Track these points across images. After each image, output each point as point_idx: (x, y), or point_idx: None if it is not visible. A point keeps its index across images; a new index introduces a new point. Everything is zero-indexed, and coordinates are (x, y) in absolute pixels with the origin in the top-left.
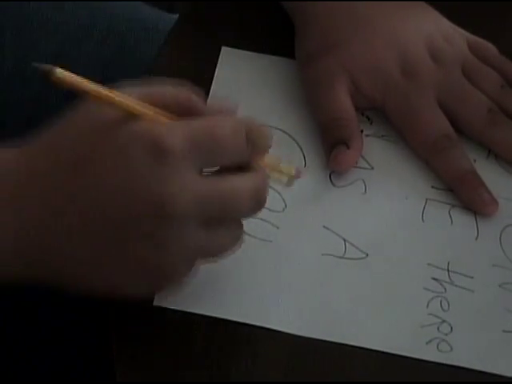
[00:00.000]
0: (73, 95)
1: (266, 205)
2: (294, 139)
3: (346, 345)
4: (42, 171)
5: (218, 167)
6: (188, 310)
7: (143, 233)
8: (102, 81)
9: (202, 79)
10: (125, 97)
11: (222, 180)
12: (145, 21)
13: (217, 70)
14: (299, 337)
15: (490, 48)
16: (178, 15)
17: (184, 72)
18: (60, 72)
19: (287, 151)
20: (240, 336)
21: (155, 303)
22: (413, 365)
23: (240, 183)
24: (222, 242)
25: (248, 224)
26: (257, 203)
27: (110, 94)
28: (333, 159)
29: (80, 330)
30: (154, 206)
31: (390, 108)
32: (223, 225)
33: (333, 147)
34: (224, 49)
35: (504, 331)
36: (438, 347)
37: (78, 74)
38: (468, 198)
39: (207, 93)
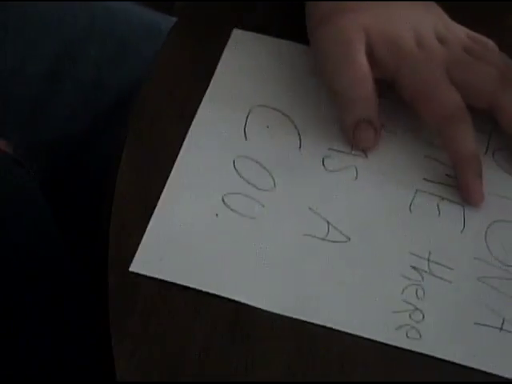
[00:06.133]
0: (71, 93)
1: (255, 183)
2: (292, 121)
3: (347, 344)
4: None
5: None
6: (164, 279)
7: None
8: (104, 80)
9: (202, 78)
10: None
11: None
12: (146, 20)
13: (225, 51)
14: (300, 337)
15: (489, 44)
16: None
17: (184, 71)
18: None
19: (283, 132)
20: (240, 336)
21: (131, 269)
22: (414, 365)
23: None
24: None
25: (234, 200)
26: None
27: None
28: (359, 139)
29: (80, 330)
30: None
31: (404, 77)
32: None
33: (356, 125)
34: (235, 31)
35: (475, 323)
36: (407, 334)
37: (79, 74)
38: (464, 180)
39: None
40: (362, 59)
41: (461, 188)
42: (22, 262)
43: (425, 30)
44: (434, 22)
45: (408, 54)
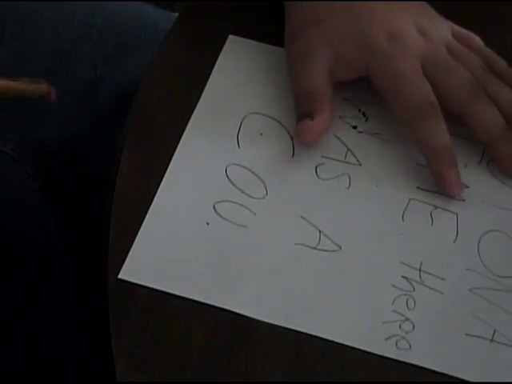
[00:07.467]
0: (69, 92)
1: (247, 191)
2: (285, 128)
3: (347, 345)
4: None
5: None
6: (153, 287)
7: None
8: (101, 79)
9: (202, 77)
10: None
11: None
12: (144, 20)
13: (220, 57)
14: (300, 337)
15: (474, 38)
16: (177, 13)
17: (184, 70)
18: None
19: (276, 140)
20: (240, 335)
21: (120, 276)
22: (414, 367)
23: None
24: None
25: (225, 208)
26: None
27: None
28: (296, 130)
29: (80, 330)
30: None
31: (375, 71)
32: None
33: (300, 120)
34: (231, 37)
35: (467, 335)
36: (396, 344)
37: (76, 73)
38: (439, 172)
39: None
40: (316, 72)
41: (437, 180)
42: (20, 262)
43: (401, 24)
44: (416, 16)
45: (377, 50)
